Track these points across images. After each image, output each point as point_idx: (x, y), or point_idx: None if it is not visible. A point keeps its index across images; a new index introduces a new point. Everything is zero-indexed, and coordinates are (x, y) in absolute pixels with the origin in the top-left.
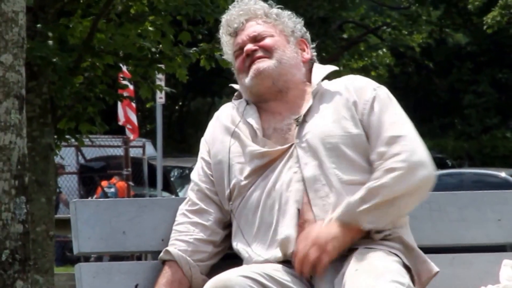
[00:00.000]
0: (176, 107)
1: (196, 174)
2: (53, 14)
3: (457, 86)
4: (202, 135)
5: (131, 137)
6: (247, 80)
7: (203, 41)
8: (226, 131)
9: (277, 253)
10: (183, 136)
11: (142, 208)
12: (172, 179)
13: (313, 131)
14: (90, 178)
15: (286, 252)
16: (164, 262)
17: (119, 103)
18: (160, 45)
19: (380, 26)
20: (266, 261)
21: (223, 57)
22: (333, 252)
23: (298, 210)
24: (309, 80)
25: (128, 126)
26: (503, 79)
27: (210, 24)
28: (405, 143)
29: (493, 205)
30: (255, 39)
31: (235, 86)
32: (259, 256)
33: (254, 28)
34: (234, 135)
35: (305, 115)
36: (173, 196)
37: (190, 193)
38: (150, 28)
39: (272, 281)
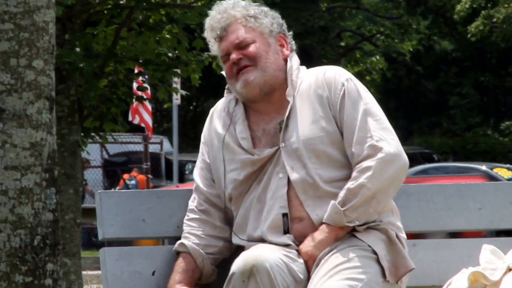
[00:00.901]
0: (191, 108)
1: (198, 176)
2: (80, 24)
3: (443, 88)
4: None
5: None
6: (237, 87)
7: None
8: (219, 138)
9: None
10: (197, 134)
11: (160, 198)
12: (186, 172)
13: (295, 135)
14: (113, 171)
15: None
16: (178, 252)
17: (131, 105)
18: (176, 51)
19: (374, 34)
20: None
21: (212, 53)
22: (317, 255)
23: (283, 214)
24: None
25: (142, 125)
26: (485, 82)
27: None
28: (376, 140)
29: (474, 196)
30: (239, 46)
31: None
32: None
33: (236, 34)
34: (225, 143)
35: (288, 117)
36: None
37: (195, 192)
38: (167, 36)
39: (291, 261)
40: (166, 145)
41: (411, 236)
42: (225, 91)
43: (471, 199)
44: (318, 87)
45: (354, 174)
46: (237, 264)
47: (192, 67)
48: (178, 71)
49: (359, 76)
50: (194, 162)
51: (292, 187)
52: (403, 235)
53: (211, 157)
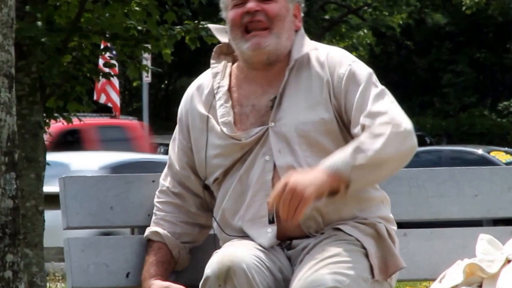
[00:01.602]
0: (162, 86)
1: (173, 155)
2: None
3: (436, 65)
4: None
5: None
6: (243, 46)
7: (188, 21)
8: (201, 118)
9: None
10: (169, 114)
11: (129, 184)
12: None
13: (287, 117)
14: None
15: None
16: (150, 240)
17: (97, 83)
18: (146, 25)
19: (361, 7)
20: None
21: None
22: (310, 198)
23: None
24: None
25: (109, 104)
26: (481, 59)
27: (194, 5)
28: (391, 115)
29: (470, 181)
30: None
31: (213, 26)
32: (228, 235)
33: None
34: (209, 125)
35: (281, 94)
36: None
37: (169, 171)
38: (136, 8)
39: (269, 259)
40: None
41: (401, 225)
42: (212, 62)
43: (466, 185)
44: (320, 69)
45: (366, 134)
46: (212, 267)
47: (163, 42)
48: (149, 46)
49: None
50: (166, 145)
51: (277, 172)
52: (393, 228)
53: (193, 138)
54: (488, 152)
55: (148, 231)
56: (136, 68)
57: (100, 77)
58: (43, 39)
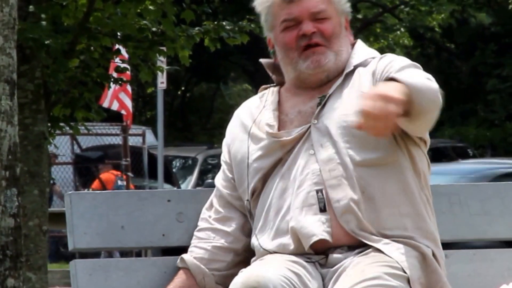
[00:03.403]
0: (179, 93)
1: (219, 178)
2: None
3: (480, 69)
4: (206, 122)
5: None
6: (302, 65)
7: (207, 21)
8: (244, 129)
9: (286, 242)
10: (186, 124)
11: (142, 201)
12: (174, 170)
13: (330, 112)
14: (86, 168)
15: (298, 242)
16: (179, 268)
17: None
18: (161, 26)
19: (397, 5)
20: (274, 252)
21: (253, 4)
22: (403, 100)
23: (317, 191)
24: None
25: (123, 111)
26: None
27: (215, 3)
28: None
29: None
30: (315, 16)
31: (265, 62)
32: (263, 247)
33: (314, 2)
34: (251, 133)
35: (330, 95)
36: (175, 188)
37: (213, 199)
38: (151, 7)
39: (299, 279)
40: (150, 137)
41: (442, 245)
42: (260, 89)
43: None
44: (370, 66)
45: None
46: (236, 286)
47: (180, 43)
48: (164, 48)
49: (381, 53)
50: (182, 157)
51: (320, 171)
52: (440, 253)
53: (233, 154)
54: None
55: (178, 259)
56: (149, 71)
57: (112, 83)
58: (47, 41)
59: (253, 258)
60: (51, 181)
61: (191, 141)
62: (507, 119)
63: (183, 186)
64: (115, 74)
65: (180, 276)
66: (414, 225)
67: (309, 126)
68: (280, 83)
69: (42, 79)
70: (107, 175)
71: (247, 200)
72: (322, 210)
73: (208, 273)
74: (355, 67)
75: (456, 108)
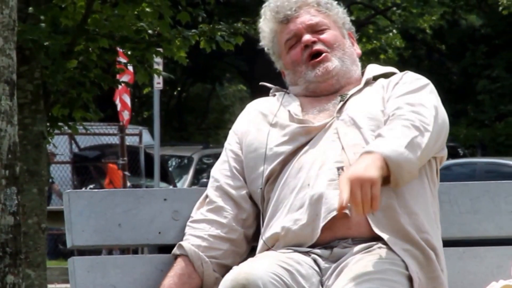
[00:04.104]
0: (175, 93)
1: (218, 168)
2: None
3: (470, 70)
4: (201, 122)
5: (126, 118)
6: (310, 75)
7: (203, 23)
8: (264, 119)
9: (298, 217)
10: (182, 124)
11: (138, 199)
12: (170, 169)
13: (353, 106)
14: (84, 167)
15: (313, 215)
16: (176, 256)
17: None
18: (158, 27)
19: (389, 7)
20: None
21: (261, 44)
22: (377, 179)
23: (338, 168)
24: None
25: (126, 112)
26: None
27: (210, 5)
28: (440, 111)
29: (507, 196)
30: (313, 28)
31: (268, 85)
32: (270, 231)
33: (310, 15)
34: (273, 122)
35: (351, 96)
36: (171, 187)
37: (209, 190)
38: (147, 9)
39: (290, 276)
40: (146, 137)
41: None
42: (271, 93)
43: (502, 201)
44: (389, 82)
45: (409, 113)
46: (225, 285)
47: (176, 45)
48: (161, 50)
49: (373, 54)
50: (178, 157)
51: (344, 150)
52: (443, 261)
53: (247, 142)
54: None
55: (175, 248)
56: (146, 73)
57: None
58: (47, 43)
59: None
60: (50, 180)
61: (187, 141)
62: (497, 119)
63: (179, 185)
64: (125, 78)
65: (179, 263)
66: (425, 228)
67: (332, 118)
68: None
69: (41, 79)
70: (111, 167)
71: (260, 188)
72: None
73: (206, 259)
74: (375, 78)
75: (447, 108)
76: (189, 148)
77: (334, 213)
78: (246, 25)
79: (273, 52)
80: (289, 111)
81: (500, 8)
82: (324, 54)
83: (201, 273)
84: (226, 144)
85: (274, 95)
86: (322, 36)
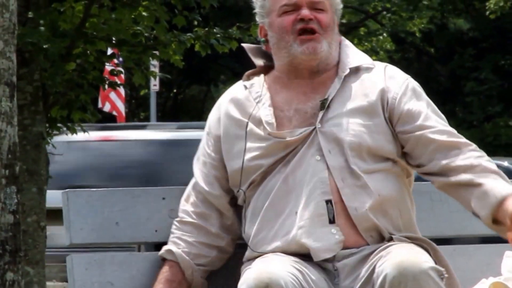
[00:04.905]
0: (171, 95)
1: (198, 171)
2: None
3: (458, 73)
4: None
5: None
6: (297, 49)
7: (198, 27)
8: (239, 125)
9: (285, 244)
10: None
11: (135, 198)
12: None
13: (337, 119)
14: None
15: (303, 245)
16: (164, 259)
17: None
18: (154, 31)
19: (379, 11)
20: (272, 251)
21: (254, 11)
22: None
23: (327, 202)
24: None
25: (114, 113)
26: (506, 66)
27: (205, 9)
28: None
29: None
30: (313, 5)
31: (248, 47)
32: (261, 247)
33: None
34: (248, 130)
35: (331, 99)
36: (168, 186)
37: (192, 191)
38: (144, 13)
39: (304, 278)
40: None
41: None
42: (244, 77)
43: None
44: (375, 77)
45: (474, 158)
46: (248, 283)
47: (172, 48)
48: (157, 53)
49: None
50: None
51: (330, 172)
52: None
53: (225, 148)
54: None
55: (162, 249)
56: (143, 75)
57: (106, 86)
58: (46, 46)
59: (247, 254)
60: (49, 179)
61: None
62: (485, 120)
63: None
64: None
65: (169, 270)
66: (413, 228)
67: (313, 129)
68: (264, 69)
69: (41, 81)
70: None
71: (242, 190)
72: (332, 221)
73: (196, 267)
74: (351, 70)
75: None
76: None
77: (326, 255)
78: (240, 31)
79: (262, 5)
80: (263, 121)
81: (487, 12)
82: (316, 34)
83: (191, 281)
84: (204, 146)
85: (246, 86)
86: (319, 15)
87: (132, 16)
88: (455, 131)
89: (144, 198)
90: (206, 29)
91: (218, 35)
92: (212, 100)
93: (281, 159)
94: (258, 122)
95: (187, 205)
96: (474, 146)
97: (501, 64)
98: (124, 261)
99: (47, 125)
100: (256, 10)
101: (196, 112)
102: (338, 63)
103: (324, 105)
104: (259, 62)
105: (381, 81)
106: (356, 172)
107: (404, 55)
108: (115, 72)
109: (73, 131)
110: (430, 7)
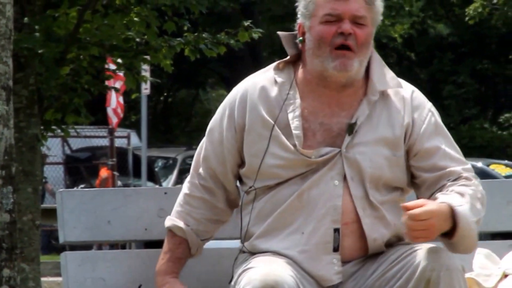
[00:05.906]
0: (161, 98)
1: (212, 148)
2: (40, 6)
3: (437, 76)
4: (186, 125)
5: (114, 121)
6: (329, 63)
7: (188, 32)
8: (265, 125)
9: (290, 258)
10: (168, 127)
11: (126, 197)
12: (156, 169)
13: (363, 145)
14: (76, 168)
15: (305, 269)
16: (172, 231)
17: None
18: (145, 36)
19: None
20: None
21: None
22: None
23: (335, 230)
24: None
25: (119, 110)
26: (483, 70)
27: (195, 15)
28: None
29: None
30: (354, 20)
31: (283, 34)
32: (261, 248)
33: (358, 5)
34: (273, 135)
35: (359, 123)
36: (157, 186)
37: (203, 164)
38: (136, 19)
39: (301, 282)
40: (134, 139)
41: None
42: (275, 66)
43: None
44: (401, 106)
45: (465, 186)
46: (253, 284)
47: (162, 53)
48: (148, 57)
49: None
50: (164, 158)
51: (347, 199)
52: None
53: (247, 142)
54: (488, 165)
55: (171, 222)
56: (134, 79)
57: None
58: (41, 51)
59: (245, 247)
60: (44, 180)
61: (172, 143)
62: (462, 122)
63: (164, 184)
64: (117, 84)
65: (179, 247)
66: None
67: (338, 152)
68: (294, 60)
69: (36, 85)
70: (104, 171)
71: (254, 188)
72: (335, 249)
73: (201, 244)
74: (379, 93)
75: None
76: (173, 150)
77: (328, 284)
78: (228, 36)
79: (306, 6)
80: (291, 131)
81: (467, 18)
82: (351, 52)
83: (194, 255)
84: (219, 119)
85: (276, 81)
86: (359, 31)
87: (124, 22)
88: (467, 166)
89: (135, 198)
90: (196, 34)
91: (207, 40)
92: (201, 104)
93: (299, 174)
94: (284, 129)
95: (196, 177)
96: (477, 182)
97: (479, 68)
98: (116, 258)
99: (42, 127)
100: (299, 9)
101: (185, 115)
102: (365, 79)
103: (352, 130)
104: (292, 51)
105: (408, 112)
106: (374, 203)
107: (385, 60)
108: (106, 77)
109: (67, 134)
110: (412, 14)
